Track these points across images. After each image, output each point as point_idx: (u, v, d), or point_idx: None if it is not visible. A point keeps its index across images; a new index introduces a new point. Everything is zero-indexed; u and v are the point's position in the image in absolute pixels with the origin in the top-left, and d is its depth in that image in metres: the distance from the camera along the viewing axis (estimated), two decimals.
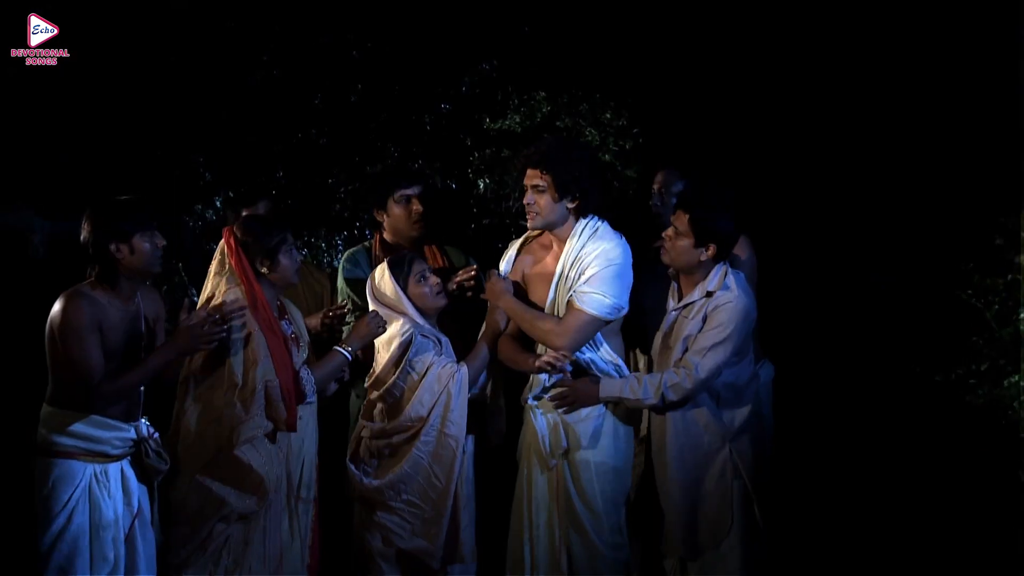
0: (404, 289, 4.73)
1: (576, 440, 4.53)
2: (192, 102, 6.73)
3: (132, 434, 4.23)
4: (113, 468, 4.20)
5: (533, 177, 4.44)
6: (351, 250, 5.35)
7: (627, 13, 6.64)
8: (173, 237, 6.41)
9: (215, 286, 4.44)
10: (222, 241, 4.52)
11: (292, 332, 4.54)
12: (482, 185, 6.60)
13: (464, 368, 4.67)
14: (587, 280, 4.46)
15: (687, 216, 4.47)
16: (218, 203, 6.84)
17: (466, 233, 6.65)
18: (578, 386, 4.51)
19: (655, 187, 5.20)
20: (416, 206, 5.08)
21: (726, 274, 4.49)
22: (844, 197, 6.18)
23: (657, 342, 4.65)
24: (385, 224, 5.22)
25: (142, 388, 4.28)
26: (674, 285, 4.66)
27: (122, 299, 4.18)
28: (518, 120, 6.57)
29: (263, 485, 4.31)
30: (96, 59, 6.08)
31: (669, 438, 4.48)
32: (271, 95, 6.80)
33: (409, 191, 5.11)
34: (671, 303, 4.64)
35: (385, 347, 4.75)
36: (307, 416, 4.53)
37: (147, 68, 6.64)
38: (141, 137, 6.68)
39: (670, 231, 4.53)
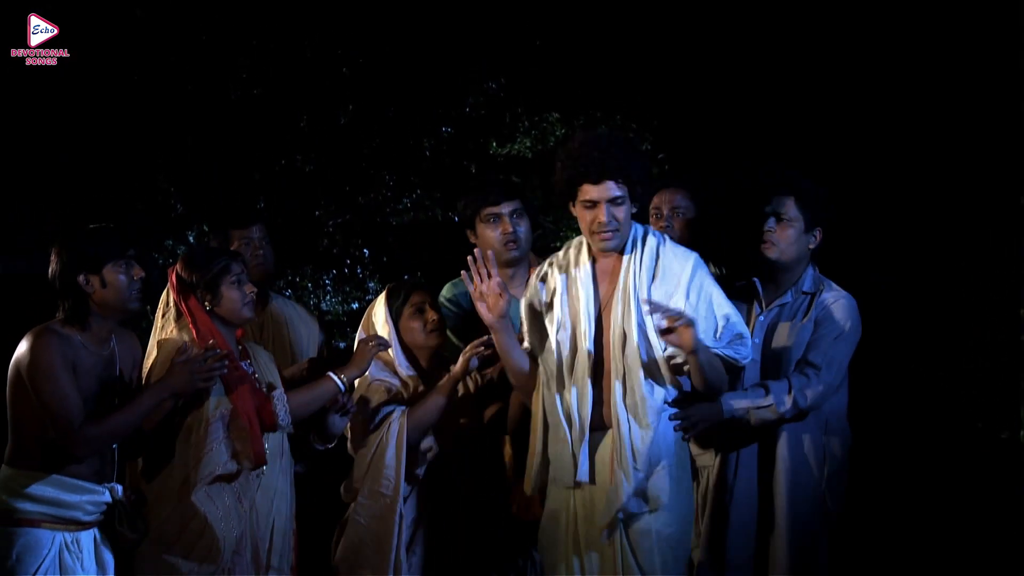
0: (396, 321, 4.31)
1: (655, 498, 3.85)
2: (160, 124, 6.35)
3: (106, 497, 3.85)
4: (85, 537, 3.83)
5: (609, 189, 3.81)
6: (451, 282, 4.85)
7: (650, 25, 6.32)
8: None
9: (160, 328, 4.12)
10: None
11: (253, 372, 4.18)
12: None
13: (399, 414, 4.21)
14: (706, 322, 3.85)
15: (793, 198, 4.20)
16: (191, 238, 6.47)
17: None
18: (699, 407, 4.01)
19: (662, 210, 4.75)
20: (506, 226, 4.53)
21: (819, 277, 4.28)
22: (862, 203, 6.02)
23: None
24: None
25: (115, 446, 3.91)
26: (758, 289, 4.33)
27: (95, 341, 3.81)
28: (528, 144, 6.37)
29: (216, 544, 3.93)
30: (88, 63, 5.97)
31: (780, 467, 4.15)
32: (250, 116, 6.50)
33: (496, 209, 4.56)
34: (756, 308, 4.31)
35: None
36: (276, 474, 4.13)
37: (106, 85, 6.27)
38: (101, 163, 6.30)
39: (770, 225, 4.22)
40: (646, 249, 3.89)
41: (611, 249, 3.88)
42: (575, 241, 3.99)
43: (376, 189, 6.52)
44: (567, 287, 3.96)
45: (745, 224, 4.33)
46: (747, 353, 3.95)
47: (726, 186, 4.87)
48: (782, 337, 4.20)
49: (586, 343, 3.81)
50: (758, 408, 4.07)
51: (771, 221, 4.20)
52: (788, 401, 4.05)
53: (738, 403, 4.06)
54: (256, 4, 6.32)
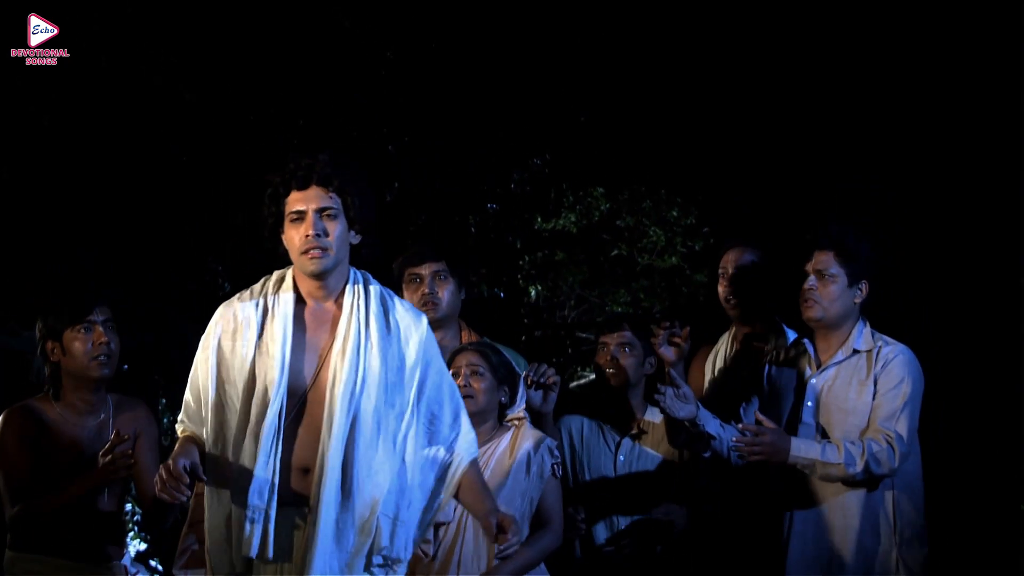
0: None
1: None
2: (209, 204, 6.32)
3: None
4: None
5: (319, 197, 3.19)
6: None
7: (695, 99, 6.25)
8: (185, 357, 5.85)
9: None
10: None
11: None
12: (533, 292, 6.46)
13: None
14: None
15: (832, 252, 4.03)
16: None
17: (516, 346, 6.11)
18: (771, 437, 3.88)
19: (728, 269, 4.58)
20: (423, 288, 4.14)
21: (872, 332, 4.08)
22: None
23: (802, 417, 4.09)
24: None
25: (125, 519, 3.94)
26: (808, 350, 4.17)
27: (76, 412, 3.64)
28: (573, 219, 6.39)
29: None
30: (97, 71, 5.88)
31: (844, 530, 4.00)
32: None
33: (417, 270, 4.16)
34: (808, 371, 4.14)
35: None
36: None
37: (156, 165, 6.23)
38: (154, 245, 6.27)
39: (810, 283, 4.05)
40: (371, 297, 3.24)
41: (322, 270, 3.13)
42: (275, 275, 3.24)
43: None
44: (261, 325, 3.19)
45: (788, 282, 4.17)
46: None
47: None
48: (841, 399, 4.05)
49: (277, 395, 3.02)
50: (826, 463, 3.92)
51: (811, 279, 4.05)
52: (860, 464, 3.92)
53: (806, 452, 3.93)
54: (303, 85, 6.32)
